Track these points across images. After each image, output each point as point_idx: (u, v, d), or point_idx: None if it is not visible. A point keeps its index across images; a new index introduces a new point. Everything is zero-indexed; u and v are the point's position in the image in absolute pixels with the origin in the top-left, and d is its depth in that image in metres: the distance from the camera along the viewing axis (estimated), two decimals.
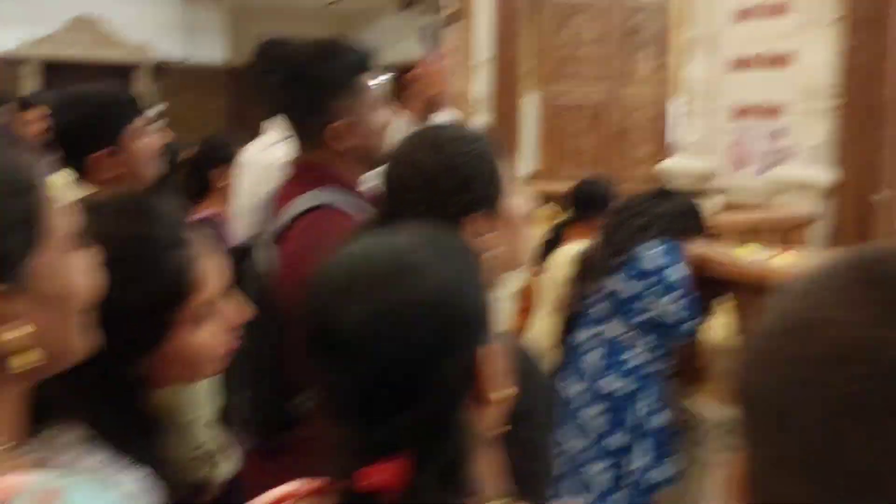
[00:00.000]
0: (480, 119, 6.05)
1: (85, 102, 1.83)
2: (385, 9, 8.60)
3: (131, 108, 1.85)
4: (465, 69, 6.25)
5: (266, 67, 1.99)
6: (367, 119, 1.63)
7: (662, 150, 6.44)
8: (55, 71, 9.21)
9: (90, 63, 9.28)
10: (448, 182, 1.21)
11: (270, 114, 2.29)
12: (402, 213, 1.18)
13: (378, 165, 1.74)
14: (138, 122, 1.83)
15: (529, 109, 6.63)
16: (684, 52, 5.23)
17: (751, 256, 2.70)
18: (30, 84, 9.20)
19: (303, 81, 1.61)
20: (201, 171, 2.70)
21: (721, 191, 4.70)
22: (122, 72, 9.42)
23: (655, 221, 2.44)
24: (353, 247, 0.88)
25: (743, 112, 4.77)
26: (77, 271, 0.79)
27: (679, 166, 5.10)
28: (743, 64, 4.74)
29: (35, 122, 3.32)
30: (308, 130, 1.63)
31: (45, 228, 0.75)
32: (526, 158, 6.52)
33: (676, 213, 2.49)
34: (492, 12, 6.36)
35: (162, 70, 9.52)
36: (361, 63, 1.63)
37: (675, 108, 5.80)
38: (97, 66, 9.29)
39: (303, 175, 1.64)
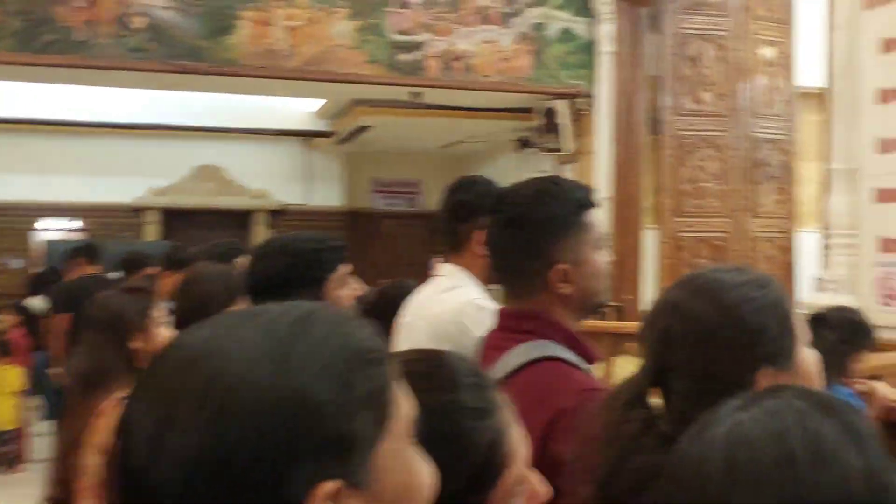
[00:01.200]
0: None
1: (292, 249, 1.82)
2: (501, 149, 8.73)
3: (337, 255, 1.82)
4: None
5: (468, 208, 1.94)
6: (592, 260, 1.54)
7: (790, 282, 6.23)
8: (175, 217, 9.61)
9: (210, 209, 9.66)
10: (733, 335, 1.09)
11: (444, 256, 2.19)
12: (672, 370, 1.08)
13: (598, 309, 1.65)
14: (341, 269, 1.81)
15: (650, 245, 6.53)
16: (816, 184, 5.10)
17: None
18: (152, 230, 9.61)
19: (525, 223, 1.53)
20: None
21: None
22: (240, 217, 9.77)
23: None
24: (716, 427, 0.73)
25: (890, 245, 4.57)
26: (418, 463, 0.67)
27: (823, 302, 4.88)
28: (887, 196, 4.58)
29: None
30: (527, 275, 1.53)
31: (390, 410, 0.63)
32: (647, 294, 6.38)
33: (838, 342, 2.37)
34: (611, 150, 6.38)
35: (280, 214, 9.83)
36: (585, 201, 1.56)
37: (815, 242, 5.61)
38: (216, 211, 9.66)
39: (519, 322, 1.54)
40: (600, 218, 1.61)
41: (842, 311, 2.59)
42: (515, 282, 1.58)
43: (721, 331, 1.08)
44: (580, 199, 1.56)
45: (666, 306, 1.15)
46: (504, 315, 1.60)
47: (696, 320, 1.10)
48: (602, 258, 1.57)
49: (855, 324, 2.50)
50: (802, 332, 1.13)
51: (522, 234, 1.53)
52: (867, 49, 4.67)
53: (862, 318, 2.54)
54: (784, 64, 6.12)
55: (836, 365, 2.32)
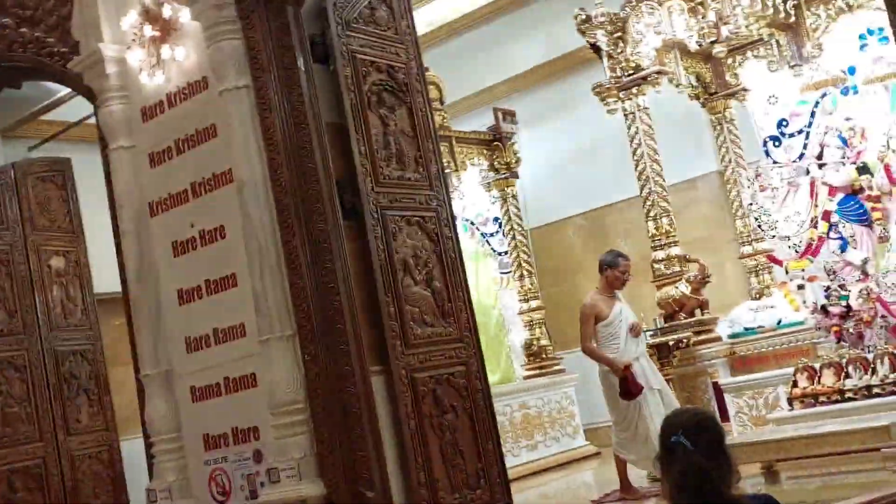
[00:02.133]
0: None
1: None
2: None
3: None
4: None
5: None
6: None
7: (122, 497, 5.88)
8: None
9: None
10: None
11: None
12: None
13: None
14: None
15: None
16: (132, 389, 4.91)
17: None
18: None
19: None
20: None
21: None
22: None
23: None
24: None
25: (212, 441, 4.57)
26: None
27: None
28: (203, 394, 4.60)
29: None
30: None
31: None
32: None
33: None
34: None
35: None
36: None
37: (142, 450, 5.32)
38: None
39: None
40: None
41: None
42: None
43: None
44: None
45: None
46: None
47: None
48: None
49: None
50: None
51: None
52: (160, 253, 4.73)
53: None
54: (77, 273, 5.93)
55: None
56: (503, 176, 10.24)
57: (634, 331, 6.41)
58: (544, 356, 9.98)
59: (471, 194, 10.34)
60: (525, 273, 10.18)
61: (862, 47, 7.64)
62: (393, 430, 4.12)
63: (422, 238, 4.60)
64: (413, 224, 4.59)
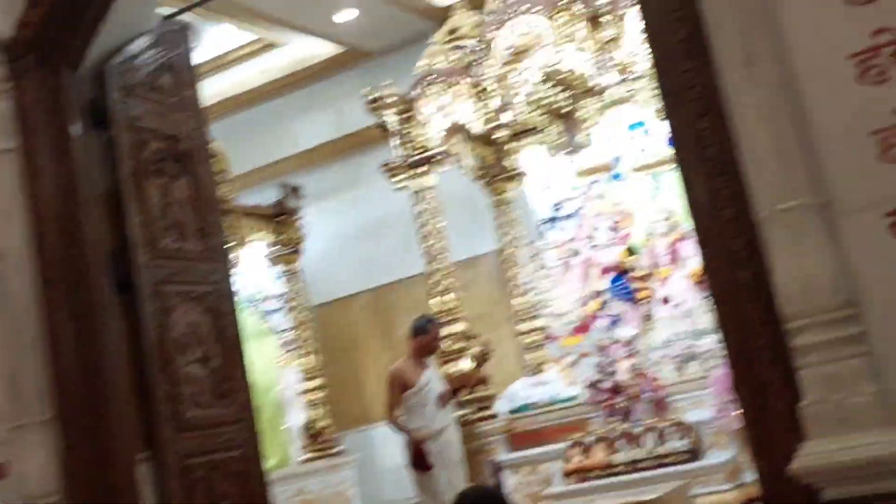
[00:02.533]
0: None
1: None
2: None
3: None
4: None
5: None
6: None
7: None
8: None
9: None
10: None
11: None
12: None
13: None
14: None
15: None
16: None
17: None
18: None
19: None
20: None
21: None
22: None
23: None
24: None
25: None
26: None
27: None
28: None
29: None
30: None
31: None
32: None
33: None
34: None
35: None
36: None
37: None
38: None
39: None
40: None
41: None
42: None
43: None
44: None
45: None
46: None
47: None
48: None
49: None
50: None
51: None
52: None
53: None
54: None
55: None
56: (287, 251, 10.08)
57: (442, 400, 6.36)
58: (324, 437, 9.74)
59: (252, 270, 10.07)
60: (308, 351, 9.98)
61: (629, 138, 8.23)
62: None
63: (200, 314, 4.39)
64: (192, 299, 4.37)
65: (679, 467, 6.10)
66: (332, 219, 11.11)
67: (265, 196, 10.39)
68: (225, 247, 4.71)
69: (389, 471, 10.52)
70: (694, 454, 6.26)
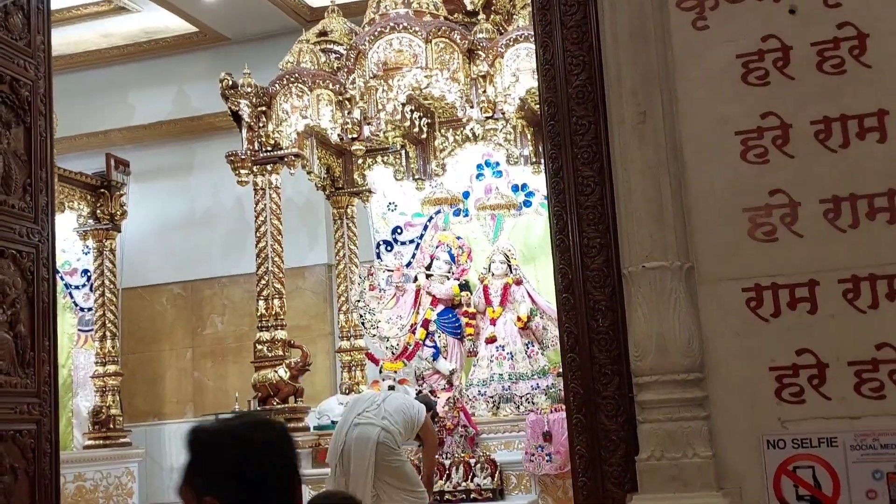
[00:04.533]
0: None
1: None
2: None
3: None
4: None
5: None
6: None
7: None
8: None
9: None
10: None
11: None
12: None
13: None
14: None
15: None
16: None
17: None
18: None
19: None
20: None
21: None
22: None
23: None
24: None
25: None
26: None
27: None
28: None
29: None
30: None
31: None
32: None
33: None
34: None
35: None
36: None
37: None
38: None
39: None
40: None
41: None
42: None
43: None
44: None
45: None
46: None
47: None
48: None
49: None
50: None
51: None
52: None
53: None
54: None
55: None
56: (104, 227, 9.48)
57: None
58: (112, 426, 9.17)
59: (62, 240, 9.39)
60: (108, 334, 9.38)
61: (479, 176, 8.35)
62: None
63: (14, 274, 4.03)
64: (7, 256, 4.00)
65: None
66: (157, 202, 10.55)
67: (88, 164, 9.75)
68: (52, 207, 4.34)
69: (173, 470, 10.04)
70: (499, 493, 6.34)
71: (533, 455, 6.34)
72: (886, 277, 2.68)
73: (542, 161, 3.29)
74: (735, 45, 2.95)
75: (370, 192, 8.61)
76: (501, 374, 7.28)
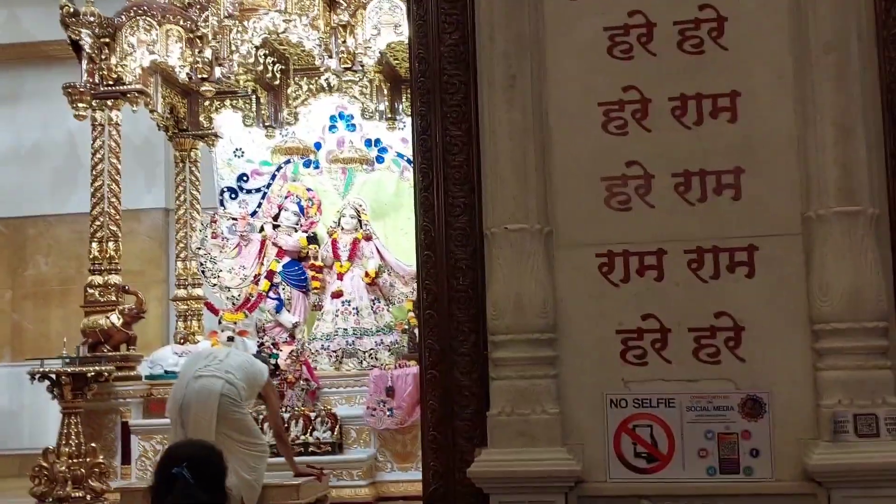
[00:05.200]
0: None
1: None
2: None
3: None
4: None
5: None
6: None
7: None
8: None
9: None
10: None
11: None
12: None
13: None
14: None
15: None
16: None
17: None
18: None
19: None
20: None
21: None
22: None
23: None
24: None
25: None
26: None
27: None
28: None
29: None
30: None
31: None
32: None
33: None
34: None
35: None
36: None
37: None
38: None
39: None
40: None
41: None
42: None
43: None
44: None
45: None
46: None
47: None
48: None
49: None
50: None
51: None
52: None
53: None
54: None
55: None
56: None
57: None
58: None
59: None
60: None
61: (332, 128, 8.22)
62: None
63: None
64: None
65: (322, 457, 6.13)
66: None
67: None
68: None
69: None
70: (338, 446, 6.36)
71: (374, 409, 6.38)
72: (728, 250, 2.85)
73: (412, 118, 3.25)
74: (603, 18, 3.03)
75: (216, 136, 8.32)
76: (346, 329, 7.26)
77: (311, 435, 6.33)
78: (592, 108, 2.98)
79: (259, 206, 8.11)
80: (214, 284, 7.65)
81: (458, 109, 3.11)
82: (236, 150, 8.38)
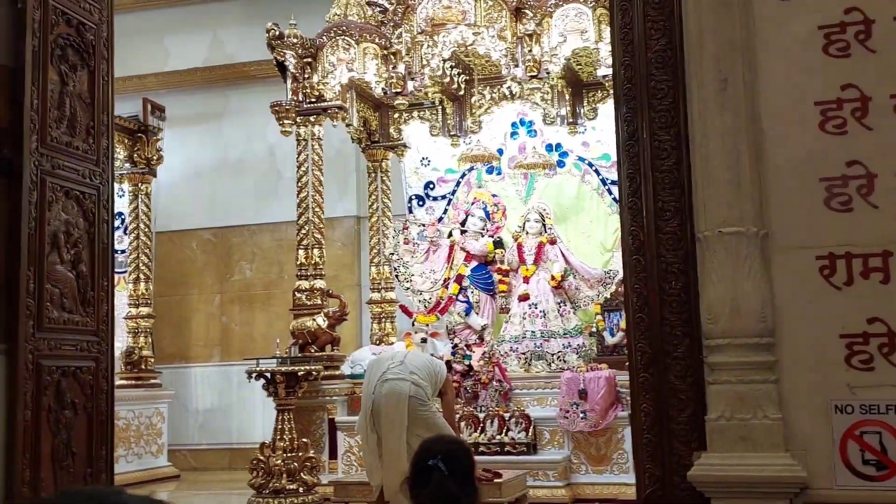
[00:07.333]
0: None
1: None
2: None
3: None
4: None
5: None
6: None
7: None
8: None
9: None
10: None
11: None
12: None
13: None
14: None
15: None
16: None
17: None
18: None
19: None
20: None
21: None
22: None
23: None
24: None
25: None
26: None
27: None
28: None
29: None
30: None
31: None
32: None
33: None
34: None
35: None
36: None
37: None
38: None
39: None
40: None
41: None
42: None
43: None
44: None
45: None
46: None
47: None
48: None
49: None
50: None
51: None
52: None
53: None
54: None
55: None
56: (140, 171, 9.56)
57: None
58: (144, 367, 9.35)
59: None
60: (142, 277, 9.52)
61: (513, 135, 8.36)
62: (6, 418, 3.57)
63: (77, 215, 4.14)
64: (71, 197, 4.10)
65: (517, 457, 6.27)
66: (191, 148, 10.60)
67: (122, 108, 9.77)
68: (112, 150, 4.42)
69: (199, 413, 10.24)
70: (532, 447, 6.46)
71: (567, 412, 6.44)
72: None
73: (616, 124, 3.30)
74: (817, 17, 2.98)
75: (405, 146, 8.63)
76: (534, 332, 7.36)
77: (506, 435, 6.46)
78: (808, 107, 2.94)
79: (444, 212, 8.36)
80: (407, 288, 7.93)
81: (667, 114, 3.14)
82: (423, 158, 8.67)
